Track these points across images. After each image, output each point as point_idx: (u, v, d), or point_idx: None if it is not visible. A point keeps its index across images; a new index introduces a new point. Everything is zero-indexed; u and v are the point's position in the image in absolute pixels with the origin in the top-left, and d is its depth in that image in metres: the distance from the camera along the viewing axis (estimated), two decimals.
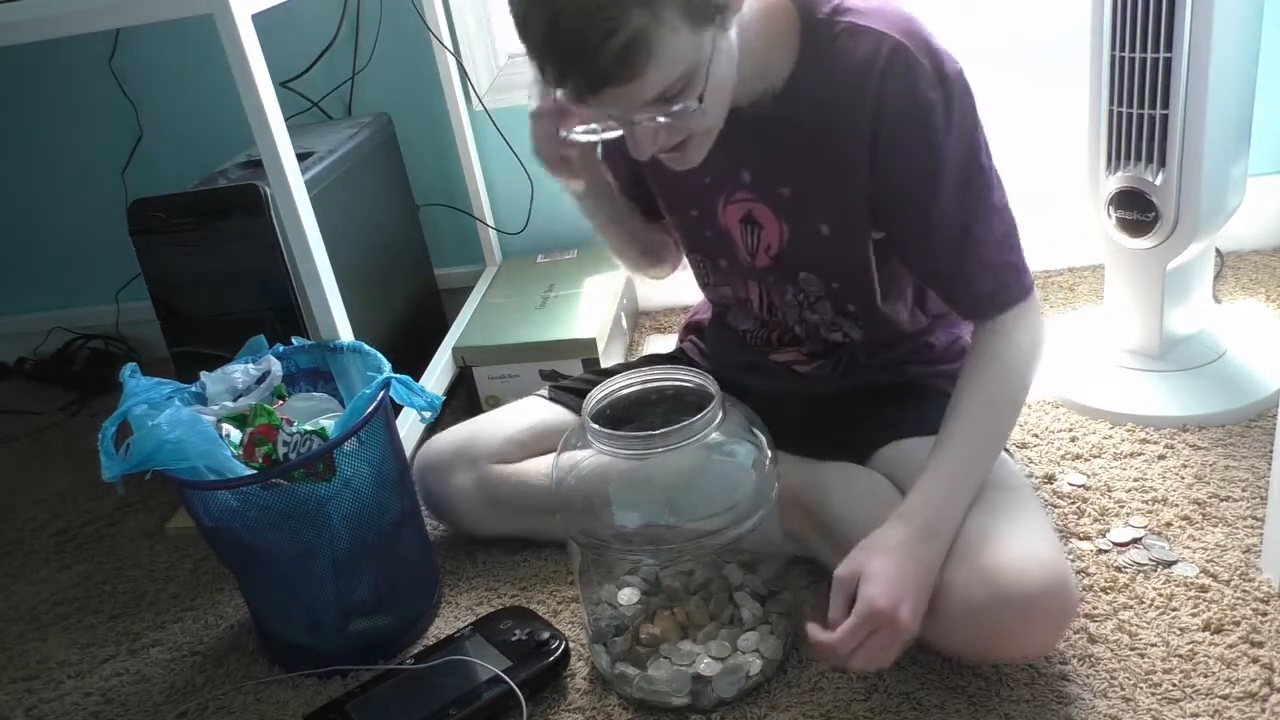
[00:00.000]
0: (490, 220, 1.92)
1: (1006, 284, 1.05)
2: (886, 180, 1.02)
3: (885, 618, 0.91)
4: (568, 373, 1.54)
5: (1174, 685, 0.98)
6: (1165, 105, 1.28)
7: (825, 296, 1.15)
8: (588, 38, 0.83)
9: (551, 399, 1.33)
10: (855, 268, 1.11)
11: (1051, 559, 0.95)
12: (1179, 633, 1.04)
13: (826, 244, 1.09)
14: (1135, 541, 1.17)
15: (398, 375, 1.13)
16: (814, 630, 0.95)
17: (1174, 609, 1.07)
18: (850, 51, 0.98)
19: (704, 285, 1.27)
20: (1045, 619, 0.94)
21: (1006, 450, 1.14)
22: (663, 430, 0.98)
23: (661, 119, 0.91)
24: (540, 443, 1.27)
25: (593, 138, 0.95)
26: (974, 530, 0.98)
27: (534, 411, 1.32)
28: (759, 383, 1.25)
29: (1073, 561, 1.15)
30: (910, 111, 0.98)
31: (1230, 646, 1.02)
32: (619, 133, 0.93)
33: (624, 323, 1.79)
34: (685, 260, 1.28)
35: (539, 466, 1.25)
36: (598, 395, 1.05)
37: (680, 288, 1.90)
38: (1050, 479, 1.29)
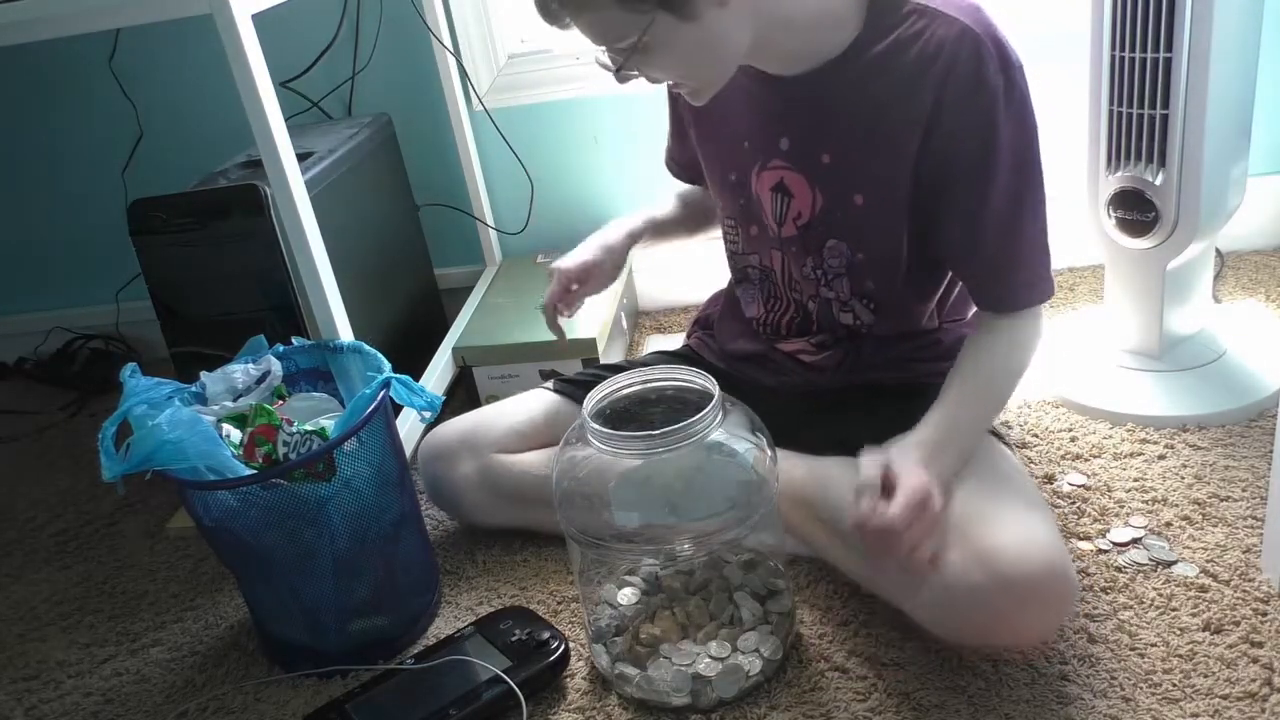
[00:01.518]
0: (490, 220, 1.92)
1: (1036, 281, 1.09)
2: (943, 157, 1.04)
3: (927, 493, 0.93)
4: (567, 373, 1.54)
5: (1174, 685, 0.98)
6: (1165, 105, 1.28)
7: (845, 273, 1.16)
8: None
9: (556, 390, 1.33)
10: (884, 238, 1.12)
11: (1050, 544, 0.95)
12: (1179, 633, 1.04)
13: (859, 213, 1.11)
14: (1135, 541, 1.17)
15: (398, 375, 1.13)
16: (866, 512, 0.94)
17: (1174, 609, 1.07)
18: (918, 32, 1.02)
19: (732, 253, 1.29)
20: (1044, 604, 0.95)
21: (1009, 446, 1.14)
22: (663, 430, 0.98)
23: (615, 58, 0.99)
24: (543, 435, 1.28)
25: (603, 61, 1.02)
26: (973, 513, 0.99)
27: (538, 403, 1.32)
28: (764, 376, 1.25)
29: (1073, 561, 1.15)
30: (973, 91, 1.00)
31: (1230, 646, 1.02)
32: (634, 74, 1.01)
33: (624, 323, 1.79)
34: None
35: (542, 458, 1.26)
36: (598, 394, 1.05)
37: (681, 288, 1.91)
38: (1050, 479, 1.29)
